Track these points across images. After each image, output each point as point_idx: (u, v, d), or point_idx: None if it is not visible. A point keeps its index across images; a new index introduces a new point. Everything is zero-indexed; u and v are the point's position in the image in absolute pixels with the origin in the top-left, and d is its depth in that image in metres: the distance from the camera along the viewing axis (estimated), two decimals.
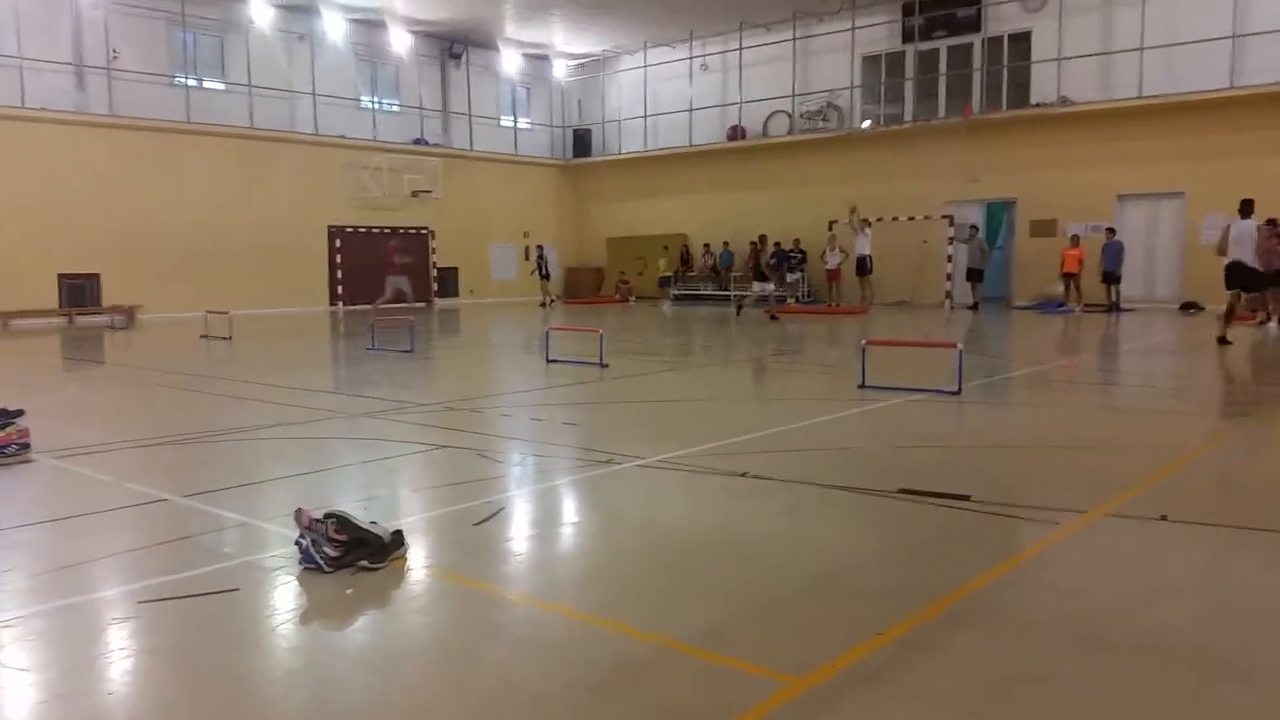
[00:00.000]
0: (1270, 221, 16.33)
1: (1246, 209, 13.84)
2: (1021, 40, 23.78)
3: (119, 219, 22.07)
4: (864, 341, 9.92)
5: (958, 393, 8.72)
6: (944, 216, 23.54)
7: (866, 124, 25.94)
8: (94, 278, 22.06)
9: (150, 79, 23.00)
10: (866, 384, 9.21)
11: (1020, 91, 23.78)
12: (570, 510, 5.31)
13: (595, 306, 27.41)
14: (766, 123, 27.99)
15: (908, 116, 25.52)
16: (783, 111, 27.64)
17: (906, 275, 24.78)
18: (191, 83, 24.09)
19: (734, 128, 28.49)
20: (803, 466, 5.99)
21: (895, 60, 25.95)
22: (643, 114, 30.49)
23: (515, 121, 31.78)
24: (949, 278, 23.59)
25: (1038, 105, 23.15)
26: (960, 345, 9.21)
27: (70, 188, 21.35)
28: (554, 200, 32.48)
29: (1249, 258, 13.62)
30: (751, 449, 6.50)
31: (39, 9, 21.41)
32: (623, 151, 31.49)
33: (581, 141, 32.62)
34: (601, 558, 4.41)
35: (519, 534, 4.80)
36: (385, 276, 24.97)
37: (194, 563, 4.23)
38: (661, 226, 29.92)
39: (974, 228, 23.27)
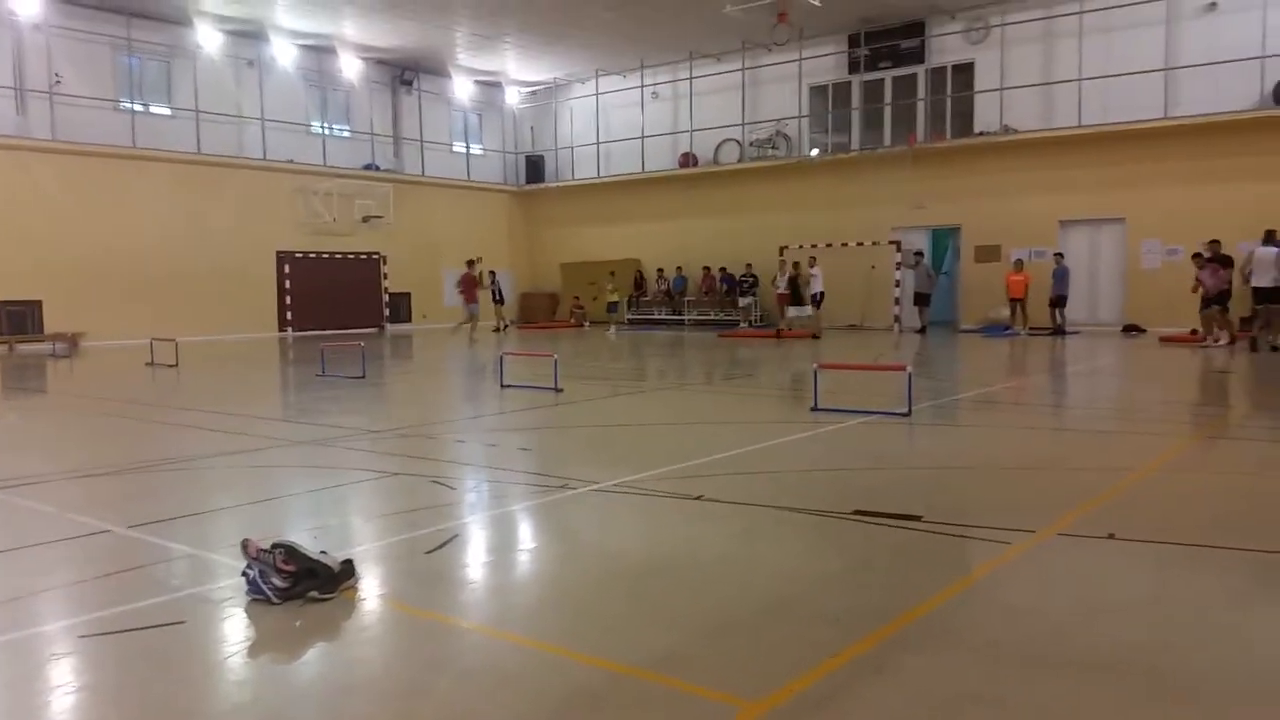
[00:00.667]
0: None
1: (1269, 238, 16.25)
2: (965, 71, 24.35)
3: (62, 244, 21.61)
4: (815, 365, 10.02)
5: (908, 414, 8.84)
6: (891, 242, 23.93)
7: (815, 152, 26.36)
8: (35, 304, 21.55)
9: (94, 103, 22.63)
10: (819, 406, 9.30)
11: (964, 121, 24.32)
12: (524, 536, 5.27)
13: (550, 331, 27.36)
14: (717, 150, 28.29)
15: (855, 145, 25.97)
16: (733, 139, 27.96)
17: (856, 300, 25.12)
18: (137, 108, 23.74)
19: (685, 155, 28.75)
20: (758, 489, 6.02)
21: (842, 90, 26.41)
22: (595, 141, 30.64)
23: (467, 147, 31.75)
24: (897, 302, 23.95)
25: (981, 134, 23.69)
26: (909, 368, 9.34)
27: (11, 212, 20.88)
28: (506, 226, 32.46)
29: (1267, 280, 15.93)
30: (707, 472, 6.52)
31: None
32: (575, 178, 31.60)
33: (534, 168, 32.69)
34: (556, 584, 4.38)
35: (472, 561, 4.75)
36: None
37: (139, 595, 4.12)
38: (615, 252, 30.02)
39: (919, 253, 23.69)
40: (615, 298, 27.59)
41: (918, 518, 5.13)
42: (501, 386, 11.79)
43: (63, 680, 3.30)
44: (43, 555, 4.85)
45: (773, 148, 27.24)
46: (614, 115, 30.48)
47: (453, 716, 2.98)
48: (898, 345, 19.47)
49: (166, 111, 24.47)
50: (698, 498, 5.70)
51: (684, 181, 28.60)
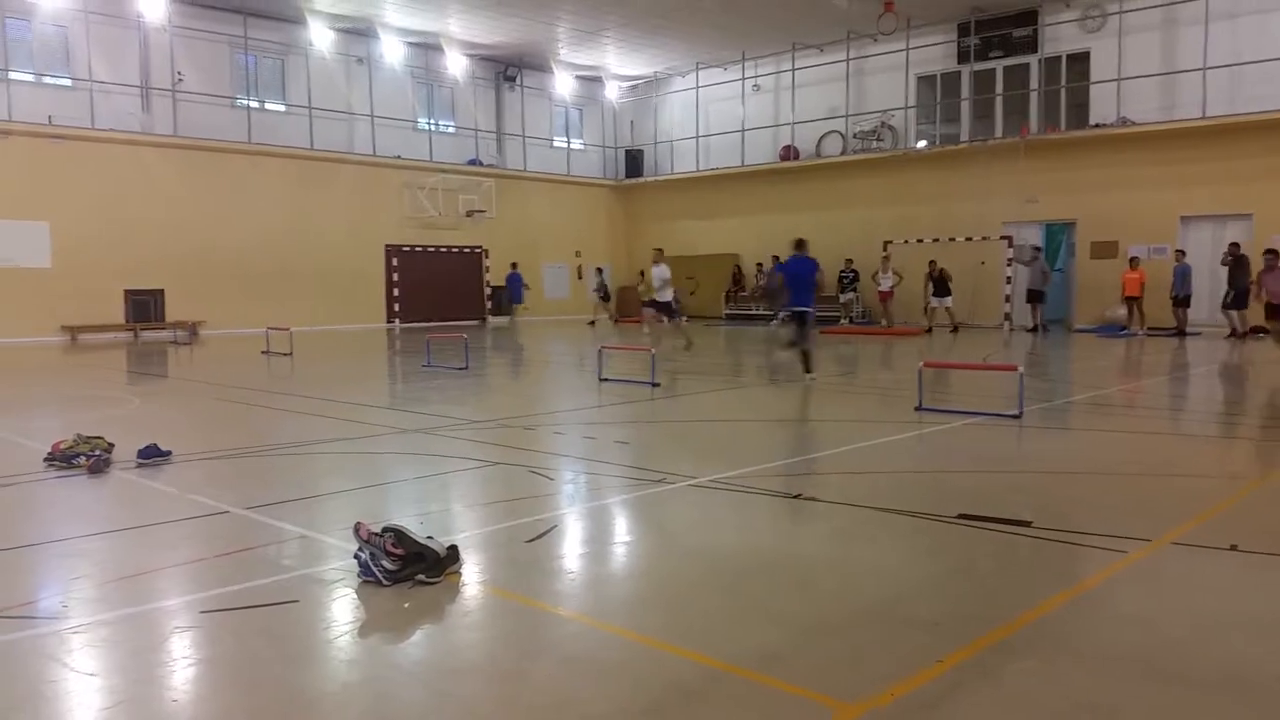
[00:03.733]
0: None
1: None
2: (1080, 60, 23.43)
3: (183, 236, 22.67)
4: (921, 363, 9.80)
5: (1018, 416, 8.57)
6: (1002, 237, 23.22)
7: (923, 144, 25.73)
8: (159, 294, 22.65)
9: (213, 100, 23.64)
10: (924, 406, 9.09)
11: (1079, 112, 23.41)
12: (622, 529, 5.31)
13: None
14: (820, 143, 27.89)
15: (964, 137, 25.27)
16: (836, 131, 27.54)
17: (964, 297, 24.46)
18: (253, 104, 24.71)
19: (787, 148, 28.45)
20: (858, 489, 5.92)
21: (950, 80, 25.73)
22: (694, 134, 30.58)
23: (568, 142, 32.09)
24: (1008, 299, 23.23)
25: (1097, 126, 22.77)
26: (1020, 368, 9.05)
27: (137, 206, 21.99)
28: (605, 220, 32.70)
29: None
30: (806, 470, 6.45)
31: (108, 33, 22.14)
32: (674, 172, 31.60)
33: (633, 162, 32.83)
34: (653, 578, 4.39)
35: (571, 552, 4.81)
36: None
37: (255, 574, 4.31)
38: (713, 246, 29.93)
39: (1037, 249, 22.89)
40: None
41: (1027, 523, 4.97)
42: (600, 380, 11.89)
43: (184, 653, 3.47)
44: (166, 533, 5.11)
45: (878, 140, 26.72)
46: (714, 108, 30.37)
47: (553, 703, 3.01)
48: (1008, 344, 18.90)
49: (281, 108, 25.40)
50: (796, 496, 5.65)
51: (785, 174, 28.30)
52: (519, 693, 3.11)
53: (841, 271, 25.94)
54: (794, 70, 28.02)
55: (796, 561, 4.50)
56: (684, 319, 16.04)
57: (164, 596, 4.12)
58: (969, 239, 23.64)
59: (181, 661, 3.39)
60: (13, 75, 20.96)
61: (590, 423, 9.11)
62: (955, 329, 22.10)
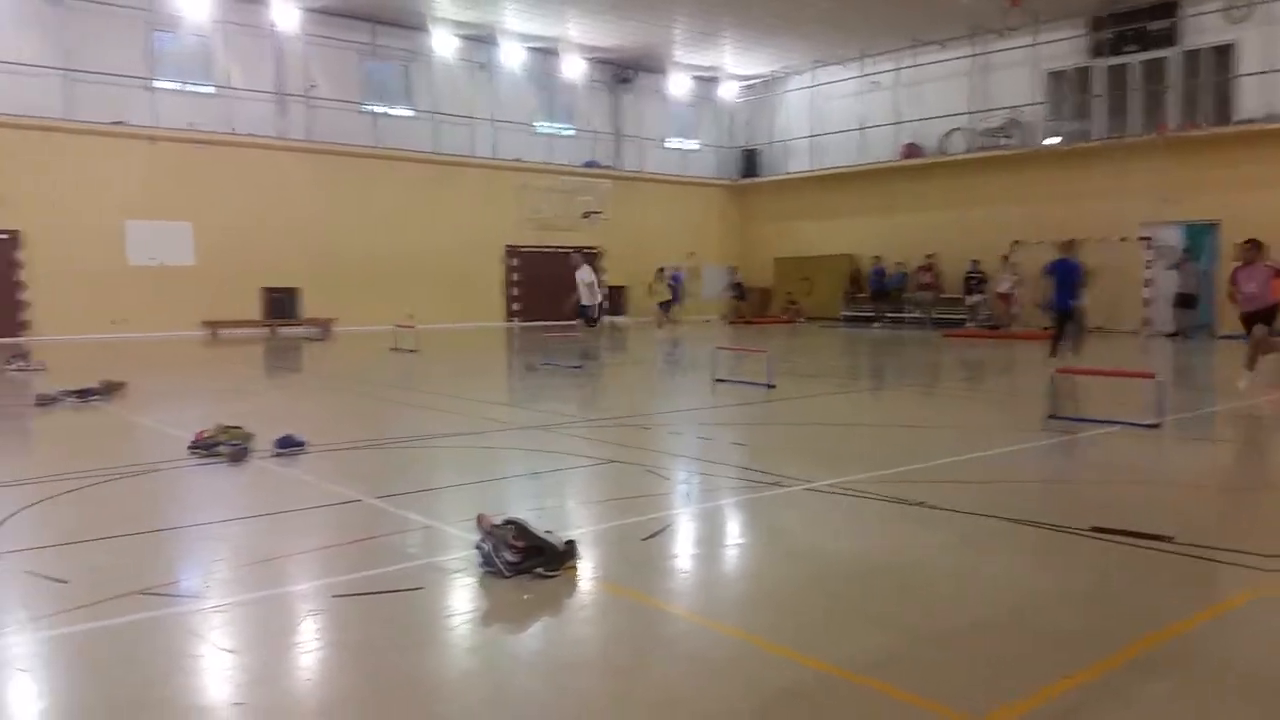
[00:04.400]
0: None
1: None
2: (1224, 52, 22.14)
3: (316, 237, 23.68)
4: (1054, 369, 9.43)
5: (1157, 426, 8.16)
6: (1142, 238, 22.12)
7: (1055, 140, 24.73)
8: (294, 292, 23.73)
9: (343, 106, 24.62)
10: (1057, 415, 8.73)
11: (1222, 107, 22.12)
12: (736, 530, 5.29)
13: (762, 327, 27.27)
14: (943, 140, 27.16)
15: (1097, 133, 24.20)
16: (960, 129, 26.76)
17: (1098, 300, 23.40)
18: (380, 110, 25.62)
19: (908, 145, 27.80)
20: (983, 498, 5.75)
21: (1081, 75, 24.68)
22: (811, 133, 30.21)
23: (683, 143, 32.14)
24: (1147, 304, 22.13)
25: (1243, 121, 21.46)
26: (1159, 375, 8.62)
27: (273, 208, 23.09)
28: (720, 220, 32.62)
29: None
30: (927, 477, 6.29)
31: (245, 42, 23.32)
32: (791, 171, 31.29)
33: (749, 161, 32.67)
34: (768, 580, 4.37)
35: (685, 551, 4.82)
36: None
37: (382, 561, 4.48)
38: (830, 246, 29.50)
39: (1187, 251, 21.73)
40: (663, 298, 24.97)
41: (1168, 538, 4.72)
42: (715, 381, 11.87)
43: (315, 635, 3.63)
44: (300, 520, 5.36)
45: (1005, 136, 25.84)
46: (832, 106, 29.95)
47: (666, 700, 3.03)
48: (1146, 350, 18.02)
49: (407, 113, 26.27)
50: (919, 503, 5.52)
51: (906, 173, 27.67)
52: (632, 688, 3.14)
53: (968, 273, 25.22)
54: (914, 67, 27.38)
55: (914, 569, 4.40)
56: (598, 322, 15.44)
57: (297, 580, 4.32)
58: (1102, 240, 22.62)
59: (312, 643, 3.55)
60: (159, 84, 22.27)
61: (705, 423, 9.11)
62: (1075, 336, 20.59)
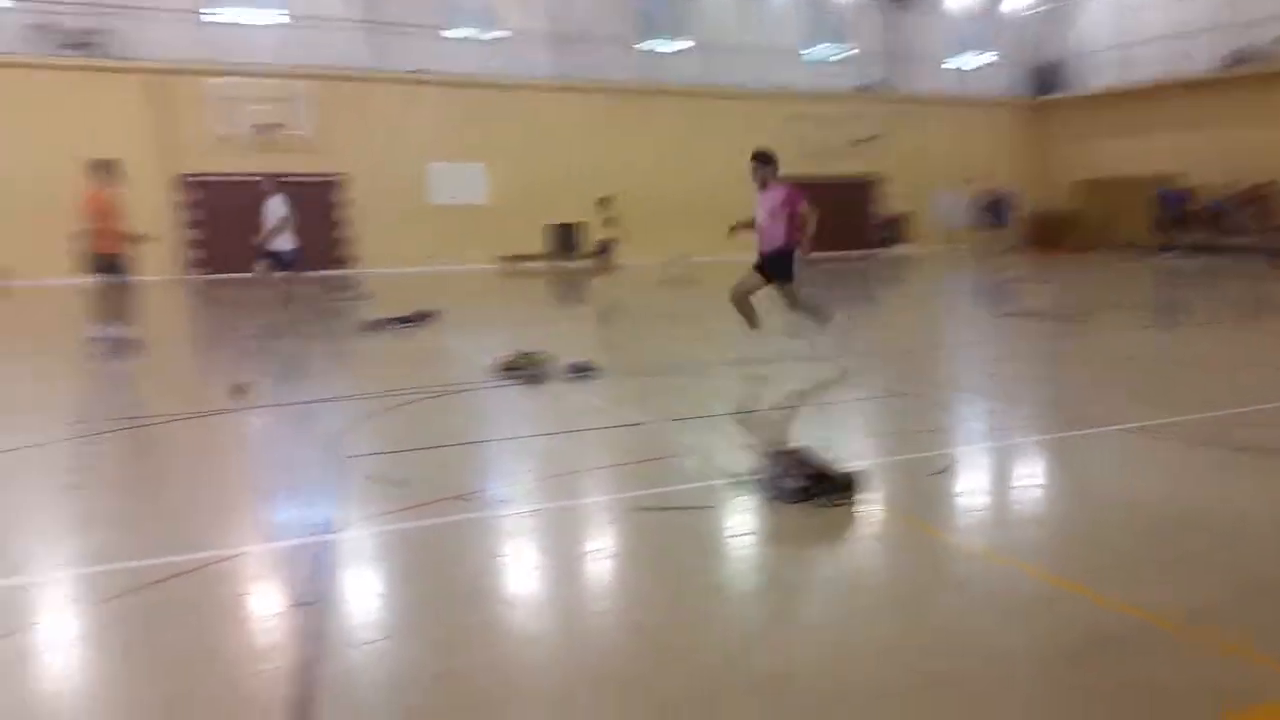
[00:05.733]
0: None
1: None
2: None
3: (594, 174, 24.53)
4: None
5: None
6: None
7: None
8: (575, 227, 24.87)
9: (615, 44, 25.16)
10: None
11: None
12: (1034, 469, 5.02)
13: (1061, 257, 25.30)
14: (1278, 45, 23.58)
15: None
16: None
17: None
18: (650, 46, 25.96)
19: (1235, 52, 24.41)
20: None
21: None
22: (1118, 43, 27.23)
23: (966, 61, 30.02)
24: None
25: None
26: None
27: (555, 147, 24.19)
28: (1010, 142, 30.31)
29: None
30: (1255, 421, 5.64)
31: None
32: (1094, 86, 28.45)
33: (1044, 78, 29.96)
34: (1070, 522, 4.12)
35: (978, 488, 4.65)
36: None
37: (671, 480, 4.68)
38: (1138, 167, 26.67)
39: None
40: (609, 233, 17.24)
41: None
42: (1005, 314, 11.21)
43: (613, 543, 3.87)
44: (594, 438, 5.69)
45: None
46: (1144, 12, 26.80)
47: (958, 632, 2.98)
48: None
49: (676, 47, 26.44)
50: (1245, 448, 4.97)
51: (1232, 85, 24.37)
52: (922, 618, 3.10)
53: None
54: None
55: (1237, 517, 3.98)
56: (286, 275, 12.04)
57: (594, 493, 4.61)
58: None
59: (612, 549, 3.79)
60: (449, 34, 23.79)
61: (996, 358, 8.65)
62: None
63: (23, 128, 19.17)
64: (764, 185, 7.96)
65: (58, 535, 4.08)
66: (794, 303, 8.17)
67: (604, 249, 13.33)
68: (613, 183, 24.56)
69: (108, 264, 9.67)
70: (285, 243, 12.02)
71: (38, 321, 13.78)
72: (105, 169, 9.71)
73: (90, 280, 9.71)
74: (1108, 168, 27.66)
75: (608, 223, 16.60)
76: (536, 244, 24.40)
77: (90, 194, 9.59)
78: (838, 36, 28.47)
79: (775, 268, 7.90)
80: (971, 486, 4.66)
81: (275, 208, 11.90)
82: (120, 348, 9.43)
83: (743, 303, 8.13)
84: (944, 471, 4.74)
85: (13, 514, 4.42)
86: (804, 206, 7.79)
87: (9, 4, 19.78)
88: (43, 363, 9.58)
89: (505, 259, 23.61)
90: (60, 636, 3.09)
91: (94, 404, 6.90)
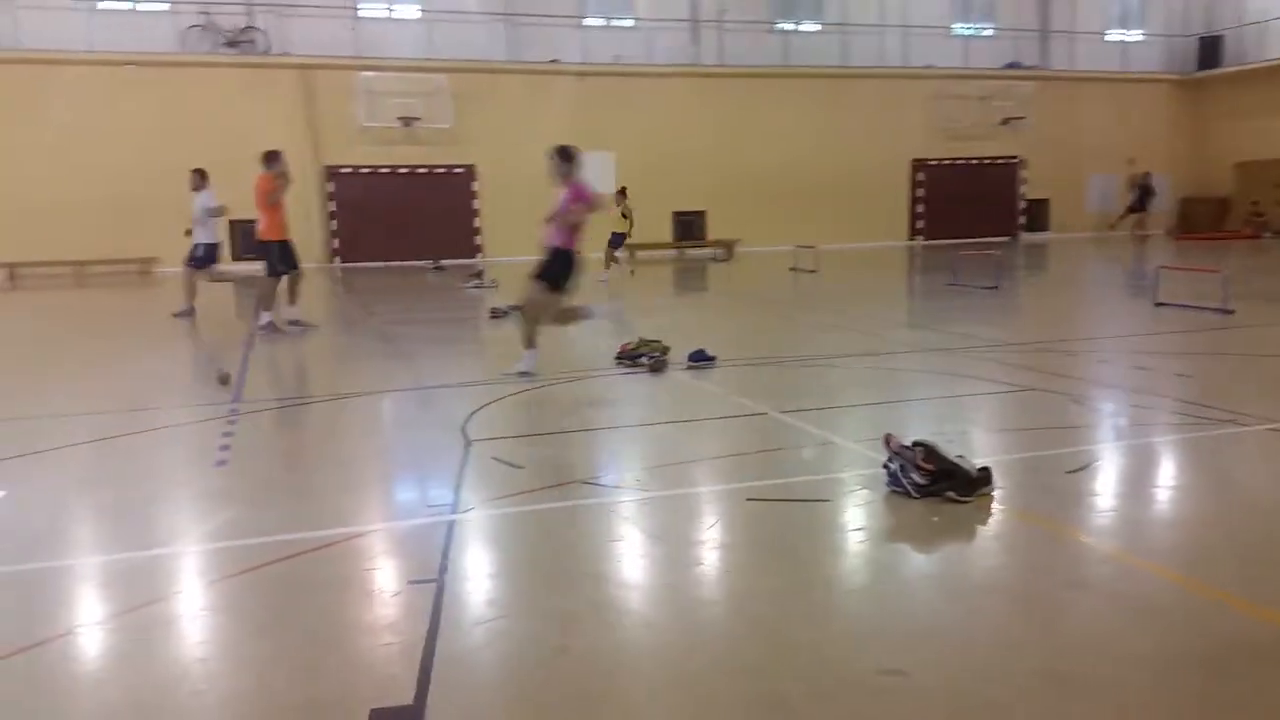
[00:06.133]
0: None
1: None
2: None
3: (722, 160, 24.41)
4: None
5: None
6: None
7: None
8: (700, 214, 24.82)
9: (753, 28, 24.85)
10: None
11: None
12: (1178, 470, 4.73)
13: (1217, 242, 23.74)
14: None
15: None
16: None
17: None
18: (790, 27, 25.52)
19: None
20: None
21: None
22: None
23: (1125, 34, 28.34)
24: None
25: None
26: None
27: (683, 134, 24.10)
28: (1164, 121, 28.47)
29: None
30: None
31: None
32: (1264, 59, 26.41)
33: (1209, 51, 28.00)
34: (1217, 526, 3.85)
35: (1116, 488, 4.41)
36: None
37: (788, 471, 4.62)
38: None
39: None
40: (623, 228, 17.72)
41: None
42: (1155, 304, 10.58)
43: (727, 532, 3.84)
44: (711, 427, 5.68)
45: None
46: None
47: (1093, 634, 2.85)
48: None
49: (816, 27, 25.93)
50: None
51: None
52: (1053, 619, 2.99)
53: None
54: None
55: None
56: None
57: (710, 481, 4.60)
58: None
59: (727, 539, 3.77)
60: (587, 21, 24.01)
61: (1142, 351, 8.17)
62: None
63: (183, 123, 20.39)
64: (564, 182, 7.40)
65: (200, 510, 4.33)
66: (527, 305, 7.35)
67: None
68: (742, 169, 24.42)
69: (274, 250, 10.24)
70: (204, 236, 11.60)
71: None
72: (272, 159, 10.30)
73: (254, 266, 10.22)
74: (1273, 148, 25.69)
75: (624, 216, 16.98)
76: (663, 233, 24.45)
77: (258, 179, 10.21)
78: (988, 11, 27.33)
79: (548, 267, 7.29)
80: (1109, 486, 4.43)
81: (204, 200, 11.54)
82: (281, 331, 9.97)
83: (561, 315, 7.53)
84: (1081, 470, 4.51)
85: (162, 488, 4.72)
86: (576, 206, 7.26)
87: (165, 7, 21.04)
88: (189, 346, 10.20)
89: (629, 247, 23.75)
90: (198, 605, 3.28)
91: (239, 385, 7.30)
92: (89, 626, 3.11)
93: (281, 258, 10.33)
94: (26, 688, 2.71)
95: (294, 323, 10.37)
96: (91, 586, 3.49)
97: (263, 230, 10.30)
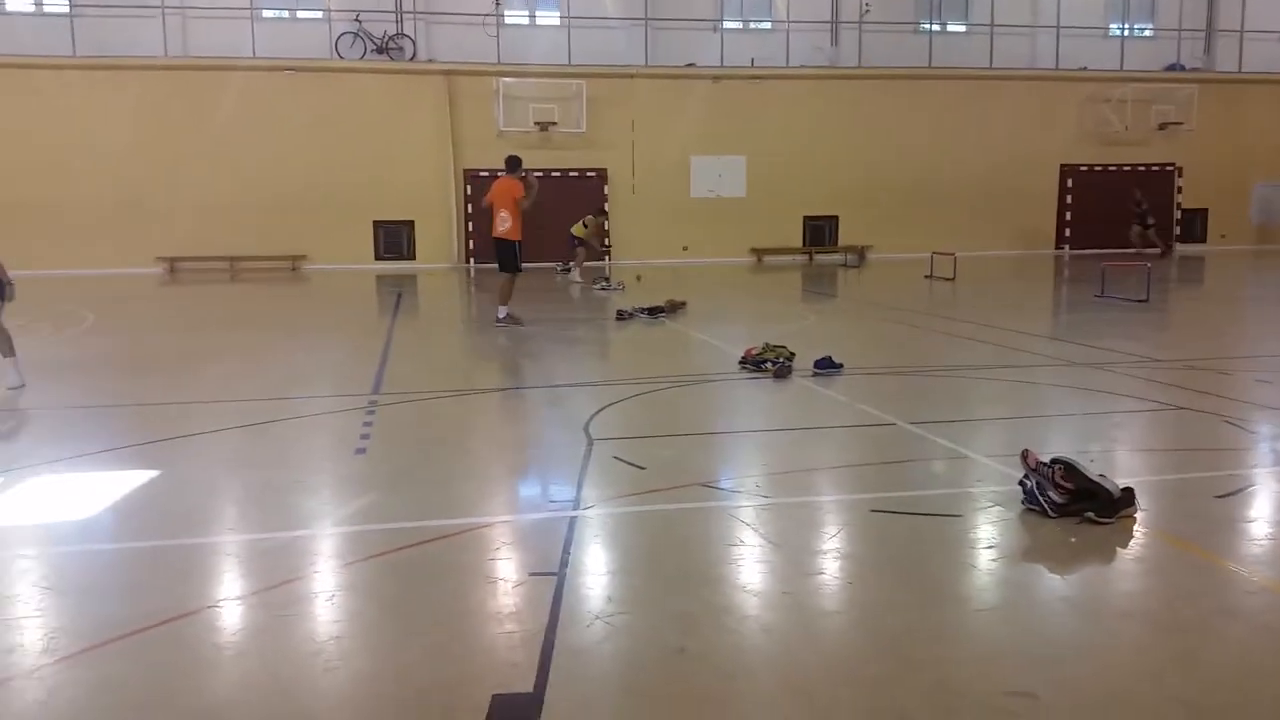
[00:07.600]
0: None
1: None
2: None
3: (855, 165, 23.91)
4: None
5: None
6: None
7: None
8: (833, 219, 24.40)
9: (897, 29, 24.29)
10: None
11: None
12: None
13: None
14: None
15: None
16: None
17: None
18: (935, 28, 24.84)
19: None
20: None
21: None
22: None
23: None
24: None
25: None
26: None
27: (816, 138, 23.74)
28: None
29: None
30: None
31: None
32: None
33: None
34: None
35: (1270, 515, 4.13)
36: None
37: (917, 484, 4.50)
38: None
39: None
40: (581, 232, 18.11)
41: None
42: None
43: (849, 543, 3.77)
44: (837, 436, 5.58)
45: None
46: None
47: (1240, 666, 2.70)
48: None
49: (962, 28, 25.15)
50: None
51: None
52: (1196, 649, 2.83)
53: None
54: None
55: None
56: None
57: (833, 491, 4.54)
58: None
59: (847, 549, 3.70)
60: (727, 24, 23.98)
61: None
62: None
63: (333, 127, 21.37)
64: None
65: (337, 495, 4.54)
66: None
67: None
68: (876, 173, 23.90)
69: (517, 250, 10.89)
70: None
71: (330, 300, 15.40)
72: (515, 163, 11.00)
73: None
74: None
75: (596, 236, 17.21)
76: (794, 237, 24.19)
77: (506, 183, 10.88)
78: (1150, 11, 25.93)
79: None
80: (1263, 512, 4.14)
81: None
82: (520, 324, 10.56)
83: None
84: (1232, 494, 4.24)
85: (302, 473, 4.97)
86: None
87: (320, 15, 22.11)
88: (334, 338, 10.68)
89: (758, 252, 23.60)
90: (334, 585, 3.43)
91: (379, 378, 7.61)
92: (232, 600, 3.30)
93: (521, 257, 11.00)
94: (175, 654, 2.89)
95: (506, 316, 10.84)
96: (235, 563, 3.70)
97: (509, 230, 10.92)
